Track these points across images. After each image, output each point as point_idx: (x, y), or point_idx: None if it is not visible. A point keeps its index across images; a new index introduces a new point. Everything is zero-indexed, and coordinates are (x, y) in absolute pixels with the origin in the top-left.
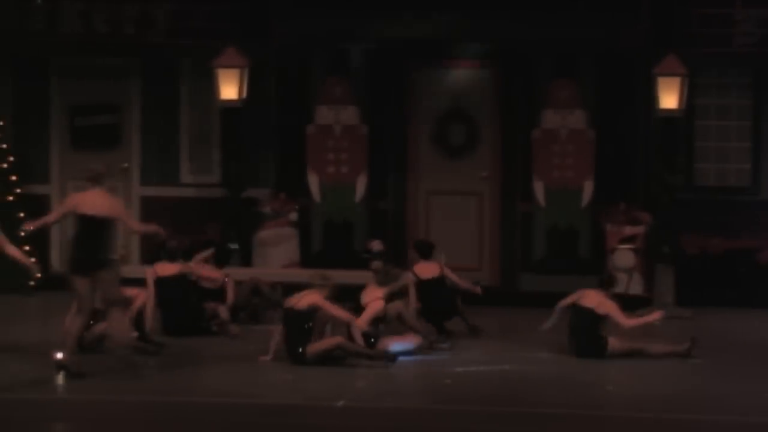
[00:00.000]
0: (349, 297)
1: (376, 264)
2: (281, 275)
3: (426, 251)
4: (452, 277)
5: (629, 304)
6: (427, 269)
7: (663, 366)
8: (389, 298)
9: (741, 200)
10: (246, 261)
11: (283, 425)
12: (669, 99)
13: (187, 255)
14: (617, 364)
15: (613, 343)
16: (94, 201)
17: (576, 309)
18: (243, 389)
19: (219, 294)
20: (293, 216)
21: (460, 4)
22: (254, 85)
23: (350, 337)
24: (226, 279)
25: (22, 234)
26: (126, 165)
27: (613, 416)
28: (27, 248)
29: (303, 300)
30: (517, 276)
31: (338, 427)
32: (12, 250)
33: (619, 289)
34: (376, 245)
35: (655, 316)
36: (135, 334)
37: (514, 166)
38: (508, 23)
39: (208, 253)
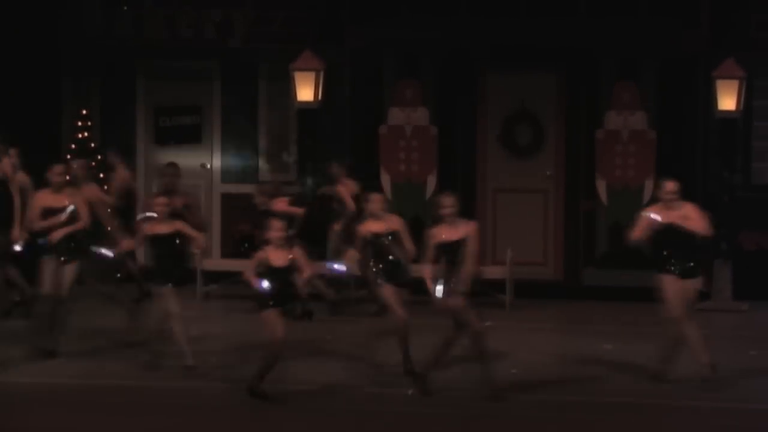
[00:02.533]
0: None
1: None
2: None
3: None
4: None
5: None
6: None
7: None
8: None
9: None
10: (323, 256)
11: None
12: (727, 101)
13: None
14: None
15: None
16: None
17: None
18: None
19: None
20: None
21: (527, 11)
22: (330, 87)
23: None
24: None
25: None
26: (205, 164)
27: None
28: None
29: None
30: (580, 271)
31: None
32: None
33: None
34: None
35: None
36: None
37: (578, 165)
38: (572, 29)
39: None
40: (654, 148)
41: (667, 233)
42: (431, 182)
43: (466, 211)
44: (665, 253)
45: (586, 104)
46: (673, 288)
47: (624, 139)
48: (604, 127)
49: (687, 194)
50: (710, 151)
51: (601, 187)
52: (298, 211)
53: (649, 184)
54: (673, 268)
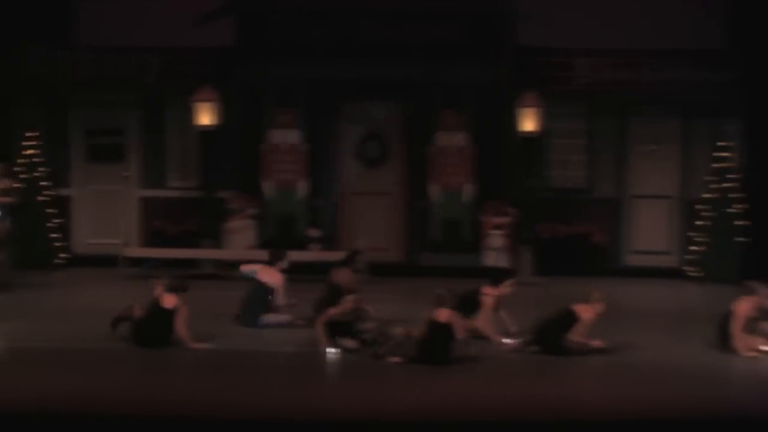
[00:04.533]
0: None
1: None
2: (243, 254)
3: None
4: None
5: (498, 275)
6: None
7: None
8: None
9: (579, 198)
10: (217, 245)
11: None
12: (528, 124)
13: (175, 241)
14: None
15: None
16: None
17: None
18: None
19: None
20: (252, 211)
21: (375, 53)
22: (224, 114)
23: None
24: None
25: None
26: (126, 174)
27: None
28: (55, 235)
29: None
30: (418, 255)
31: None
32: None
33: (490, 263)
34: (313, 232)
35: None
36: None
37: (416, 173)
38: (410, 68)
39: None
40: (473, 160)
41: None
42: (302, 187)
43: (330, 210)
44: None
45: (421, 127)
46: None
47: (450, 153)
48: (435, 144)
49: (499, 195)
50: (516, 162)
51: (433, 189)
52: None
53: (467, 187)
54: None
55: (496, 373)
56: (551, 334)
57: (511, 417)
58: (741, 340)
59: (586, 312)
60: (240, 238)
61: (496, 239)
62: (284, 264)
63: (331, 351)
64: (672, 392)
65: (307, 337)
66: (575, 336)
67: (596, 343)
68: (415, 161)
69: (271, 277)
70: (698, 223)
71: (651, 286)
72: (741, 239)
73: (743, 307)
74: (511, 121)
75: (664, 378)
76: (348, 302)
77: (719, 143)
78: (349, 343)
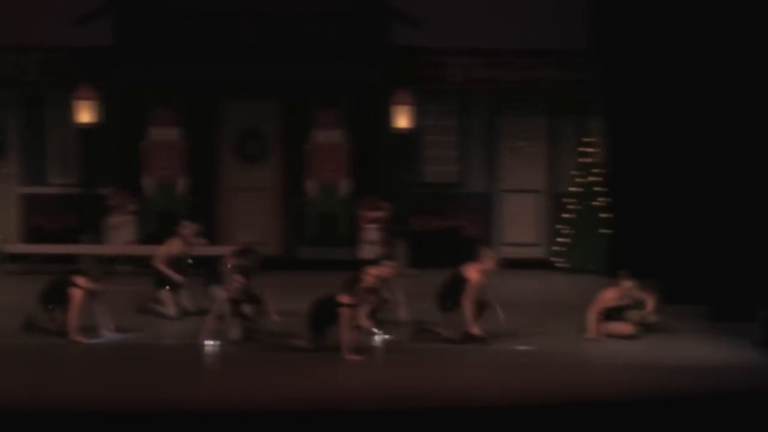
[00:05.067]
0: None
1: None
2: (123, 250)
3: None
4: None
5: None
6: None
7: None
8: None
9: (452, 192)
10: (97, 240)
11: None
12: (402, 121)
13: (55, 237)
14: None
15: None
16: None
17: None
18: None
19: None
20: (132, 207)
21: (254, 53)
22: (105, 111)
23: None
24: None
25: None
26: (5, 171)
27: None
28: None
29: None
30: (295, 248)
31: None
32: None
33: (366, 255)
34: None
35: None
36: None
37: (294, 169)
38: (288, 67)
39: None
40: (349, 156)
41: None
42: (182, 183)
43: (211, 206)
44: None
45: (299, 125)
46: None
47: (326, 150)
48: (312, 141)
49: (374, 190)
50: (391, 158)
51: (310, 185)
52: None
53: (343, 183)
54: None
55: (374, 362)
56: (446, 298)
57: (383, 406)
58: (592, 322)
59: (473, 272)
60: (121, 233)
61: (371, 233)
62: None
63: (209, 343)
64: (543, 379)
65: (195, 330)
66: (467, 298)
67: (475, 330)
68: (293, 158)
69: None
70: (565, 215)
71: (521, 277)
72: (604, 231)
73: (607, 295)
74: (387, 119)
75: (538, 366)
76: (236, 282)
77: (584, 139)
78: (234, 333)
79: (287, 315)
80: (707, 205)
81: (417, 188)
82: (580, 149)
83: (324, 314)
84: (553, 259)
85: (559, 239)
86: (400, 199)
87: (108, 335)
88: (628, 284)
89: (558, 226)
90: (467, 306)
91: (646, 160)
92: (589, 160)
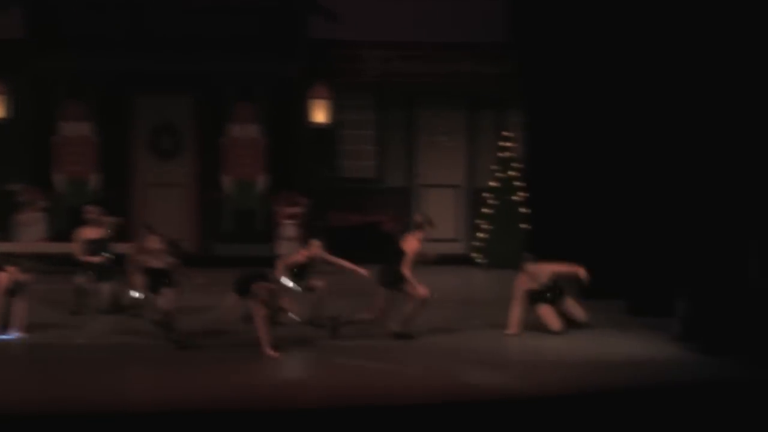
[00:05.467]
0: None
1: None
2: (33, 247)
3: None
4: None
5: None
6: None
7: None
8: None
9: (370, 188)
10: (6, 237)
11: None
12: (320, 115)
13: None
14: None
15: None
16: None
17: None
18: None
19: None
20: (42, 204)
21: (169, 46)
22: (15, 106)
23: None
24: None
25: None
26: None
27: None
28: None
29: None
30: (211, 245)
31: None
32: None
33: (283, 252)
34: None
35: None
36: None
37: (210, 164)
38: (203, 60)
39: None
40: (265, 152)
41: None
42: (94, 179)
43: (124, 202)
44: None
45: (215, 119)
46: None
47: (243, 144)
48: (229, 136)
49: (292, 186)
50: (309, 153)
51: (227, 181)
52: None
53: (260, 178)
54: None
55: (295, 358)
56: (389, 271)
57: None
58: (515, 317)
59: (410, 243)
60: (31, 230)
61: (288, 229)
62: None
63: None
64: (461, 375)
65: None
66: (405, 268)
67: (422, 291)
68: (209, 153)
69: None
70: (484, 210)
71: (440, 272)
72: (523, 226)
73: (518, 283)
74: (304, 113)
75: (458, 361)
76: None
77: (503, 133)
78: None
79: (203, 312)
80: (624, 199)
81: (335, 183)
82: (500, 144)
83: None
84: (472, 254)
85: (478, 234)
86: (318, 195)
87: (16, 333)
88: (532, 267)
89: (477, 222)
90: (408, 272)
91: (564, 154)
92: (508, 154)
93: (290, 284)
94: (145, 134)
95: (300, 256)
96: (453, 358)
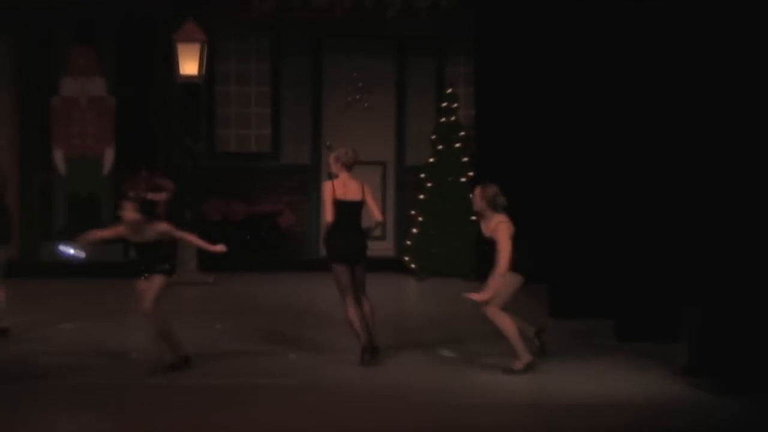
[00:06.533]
0: None
1: None
2: None
3: None
4: None
5: None
6: None
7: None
8: None
9: (262, 166)
10: None
11: None
12: (189, 65)
13: None
14: None
15: None
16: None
17: None
18: None
19: None
20: None
21: None
22: None
23: None
24: None
25: None
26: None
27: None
28: None
29: None
30: (38, 247)
31: None
32: None
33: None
34: None
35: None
36: None
37: (33, 135)
38: None
39: None
40: (114, 116)
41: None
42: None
43: None
44: None
45: (41, 70)
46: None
47: (82, 106)
48: (60, 94)
49: (149, 163)
50: (172, 118)
51: (59, 157)
52: None
53: (109, 153)
54: None
55: None
56: None
57: None
58: None
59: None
60: None
61: None
62: None
63: None
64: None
65: None
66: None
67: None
68: (34, 118)
69: None
70: (420, 197)
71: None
72: (473, 218)
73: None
74: (167, 62)
75: (390, 404)
76: None
77: (446, 91)
78: None
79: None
80: (611, 188)
81: (211, 160)
82: (441, 105)
83: None
84: (404, 258)
85: (413, 230)
86: (186, 177)
87: None
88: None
89: (411, 213)
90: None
91: (530, 119)
92: (453, 119)
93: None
94: None
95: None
96: (386, 399)
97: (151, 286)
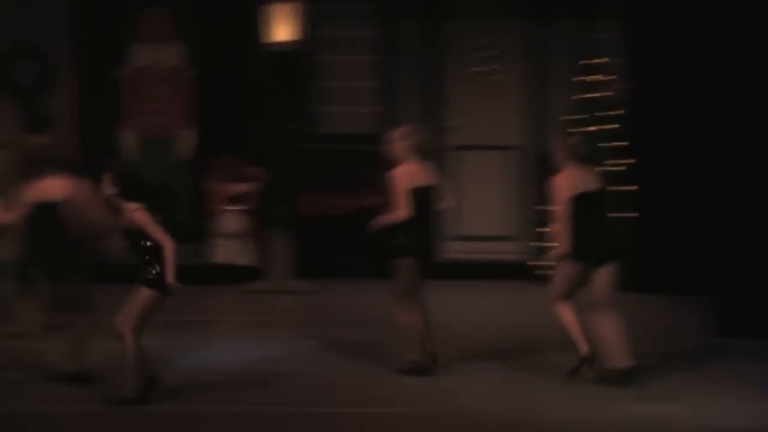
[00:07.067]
0: None
1: None
2: None
3: None
4: None
5: (237, 276)
6: None
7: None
8: None
9: (369, 151)
10: None
11: None
12: (283, 29)
13: None
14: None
15: None
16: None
17: None
18: None
19: None
20: None
21: None
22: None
23: None
24: None
25: None
26: None
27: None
28: None
29: None
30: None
31: None
32: None
33: (223, 258)
34: None
35: None
36: None
37: (97, 112)
38: None
39: None
40: (190, 91)
41: None
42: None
43: None
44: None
45: (107, 36)
46: None
47: (154, 79)
48: (134, 65)
49: (235, 149)
50: (264, 93)
51: (128, 139)
52: None
53: (184, 136)
54: None
55: None
56: None
57: None
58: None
59: None
60: None
61: (231, 219)
62: None
63: None
64: None
65: None
66: None
67: None
68: (97, 93)
69: None
70: None
71: (482, 292)
72: (624, 215)
73: None
74: (256, 27)
75: None
76: None
77: (589, 60)
78: None
79: None
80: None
81: (309, 144)
82: (583, 78)
83: None
84: (533, 263)
85: (543, 229)
86: (278, 164)
87: None
88: None
89: (543, 208)
90: None
91: (694, 97)
92: (598, 95)
93: None
94: None
95: None
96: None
97: (134, 299)
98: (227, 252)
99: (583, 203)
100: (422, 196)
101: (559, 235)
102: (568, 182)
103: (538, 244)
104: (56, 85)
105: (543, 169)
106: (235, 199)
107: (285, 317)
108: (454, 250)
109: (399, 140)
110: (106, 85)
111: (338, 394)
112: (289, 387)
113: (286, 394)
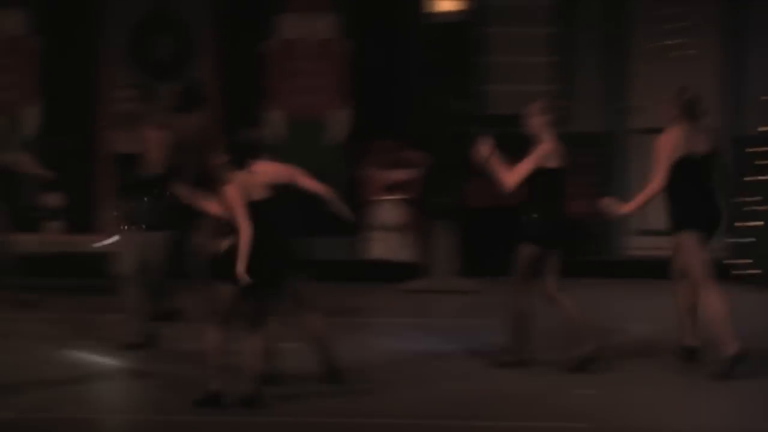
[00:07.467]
0: None
1: None
2: None
3: None
4: None
5: (396, 272)
6: None
7: None
8: None
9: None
10: None
11: None
12: (447, 1)
13: None
14: None
15: None
16: None
17: None
18: None
19: None
20: None
21: None
22: None
23: None
24: None
25: None
26: None
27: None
28: None
29: None
30: None
31: None
32: None
33: (380, 254)
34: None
35: None
36: None
37: (241, 89)
38: None
39: None
40: (345, 67)
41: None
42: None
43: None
44: None
45: (251, 6)
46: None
47: (305, 53)
48: (282, 37)
49: (394, 131)
50: (428, 69)
51: (275, 118)
52: None
53: (338, 116)
54: None
55: None
56: None
57: None
58: None
59: None
60: None
61: (388, 210)
62: None
63: None
64: None
65: None
66: None
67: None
68: (240, 68)
69: None
70: (750, 179)
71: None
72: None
73: None
74: None
75: None
76: None
77: None
78: None
79: None
80: None
81: (476, 126)
82: None
83: None
84: (729, 261)
85: (740, 224)
86: (442, 148)
87: None
88: None
89: (740, 200)
90: None
91: None
92: None
93: None
94: (124, 34)
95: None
96: None
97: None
98: (384, 247)
99: (686, 167)
100: (554, 179)
101: (644, 198)
102: (672, 143)
103: (737, 240)
104: (195, 58)
105: (741, 156)
106: (393, 187)
107: (446, 319)
108: (636, 246)
109: (535, 115)
110: (250, 59)
111: (510, 405)
112: (451, 398)
113: (444, 405)
